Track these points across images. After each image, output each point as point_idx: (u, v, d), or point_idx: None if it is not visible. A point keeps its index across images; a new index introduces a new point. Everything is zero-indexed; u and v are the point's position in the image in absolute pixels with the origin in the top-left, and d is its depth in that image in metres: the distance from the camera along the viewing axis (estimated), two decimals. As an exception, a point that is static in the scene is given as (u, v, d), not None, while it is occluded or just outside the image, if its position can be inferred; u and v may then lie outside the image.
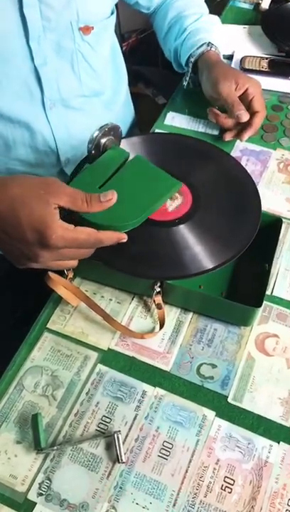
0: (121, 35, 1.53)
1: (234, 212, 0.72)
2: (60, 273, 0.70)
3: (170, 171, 0.73)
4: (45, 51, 0.79)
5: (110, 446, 0.60)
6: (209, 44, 0.94)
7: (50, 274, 0.66)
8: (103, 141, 0.71)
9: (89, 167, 0.70)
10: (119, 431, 0.60)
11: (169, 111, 0.99)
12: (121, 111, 1.03)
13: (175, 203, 0.71)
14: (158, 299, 0.69)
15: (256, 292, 0.68)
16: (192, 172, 0.75)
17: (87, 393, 0.64)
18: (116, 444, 0.59)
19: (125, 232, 0.65)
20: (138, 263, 0.67)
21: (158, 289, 0.68)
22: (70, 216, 0.67)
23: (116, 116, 1.01)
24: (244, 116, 0.87)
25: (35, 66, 0.79)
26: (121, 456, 0.58)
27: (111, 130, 0.72)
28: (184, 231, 0.69)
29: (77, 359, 0.67)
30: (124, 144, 0.75)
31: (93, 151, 0.71)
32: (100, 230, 0.65)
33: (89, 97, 0.91)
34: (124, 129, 1.06)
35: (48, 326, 0.69)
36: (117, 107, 1.01)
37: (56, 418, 0.62)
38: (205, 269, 0.66)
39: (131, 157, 0.72)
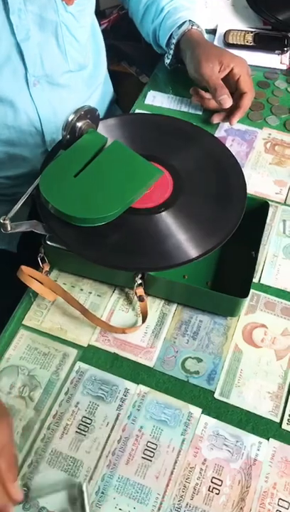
0: (102, 12, 1.47)
1: (218, 196, 0.69)
2: (35, 265, 0.66)
3: (150, 155, 0.68)
4: (27, 25, 0.75)
5: (91, 449, 0.57)
6: (190, 22, 0.89)
7: (23, 267, 0.63)
8: (79, 124, 0.67)
9: (64, 154, 0.66)
10: (85, 480, 0.54)
11: (150, 90, 0.94)
12: (102, 86, 0.99)
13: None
14: (140, 291, 0.65)
15: (244, 281, 0.64)
16: (173, 155, 0.71)
17: (66, 393, 0.60)
18: (83, 497, 0.52)
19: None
20: (118, 254, 0.63)
21: (140, 281, 0.64)
22: (44, 207, 0.63)
23: (98, 92, 0.97)
24: (227, 102, 0.83)
25: (17, 41, 0.75)
26: None
27: (88, 113, 0.68)
28: (166, 218, 0.65)
29: (55, 357, 0.63)
30: (100, 127, 0.71)
31: (68, 136, 0.66)
32: (76, 223, 0.61)
33: (74, 72, 0.87)
34: (103, 107, 1.03)
35: (24, 322, 0.66)
36: (98, 81, 0.96)
37: (33, 421, 0.59)
38: (189, 258, 0.63)
39: (109, 142, 0.68)
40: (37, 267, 0.66)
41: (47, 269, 0.67)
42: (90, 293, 0.68)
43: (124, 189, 0.63)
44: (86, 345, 0.64)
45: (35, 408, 0.59)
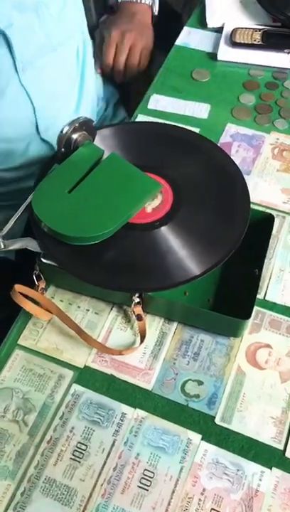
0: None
1: (220, 209, 0.65)
2: (31, 283, 0.64)
3: (148, 166, 0.66)
4: (8, 11, 0.75)
5: (86, 477, 0.55)
6: None
7: (17, 286, 0.61)
8: (74, 137, 0.64)
9: (58, 168, 0.64)
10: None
11: (153, 93, 0.90)
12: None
13: (155, 202, 0.64)
14: (138, 309, 0.62)
15: (247, 300, 0.61)
16: (173, 165, 0.68)
17: (61, 417, 0.58)
18: None
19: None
20: (114, 273, 0.60)
21: (138, 300, 0.62)
22: (38, 227, 0.61)
23: (91, 72, 0.95)
24: None
25: (0, 30, 0.74)
26: None
27: (84, 125, 0.65)
28: (165, 234, 0.62)
29: (51, 379, 0.61)
30: (97, 138, 0.68)
31: (63, 149, 0.64)
32: (70, 241, 0.59)
33: (60, 48, 0.86)
34: (103, 105, 1.01)
35: (20, 342, 0.64)
36: (88, 57, 0.95)
37: (27, 446, 0.57)
38: (190, 276, 0.60)
39: (106, 154, 0.65)
40: (32, 285, 0.64)
41: (43, 287, 0.65)
42: (88, 310, 0.66)
43: (120, 204, 0.61)
44: (82, 367, 0.62)
45: (29, 433, 0.58)
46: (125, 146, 0.69)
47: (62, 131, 0.63)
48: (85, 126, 0.65)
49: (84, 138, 0.65)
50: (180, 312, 0.64)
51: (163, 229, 0.63)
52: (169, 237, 0.62)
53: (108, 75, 1.00)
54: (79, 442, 0.57)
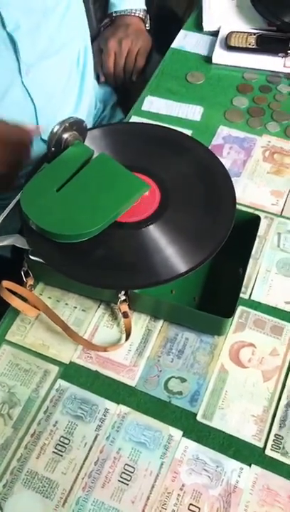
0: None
1: (207, 210, 0.66)
2: (19, 280, 0.65)
3: (137, 166, 0.67)
4: (15, 15, 0.75)
5: (68, 470, 0.56)
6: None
7: (4, 282, 0.62)
8: (65, 136, 0.65)
9: (48, 167, 0.65)
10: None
11: (147, 95, 0.92)
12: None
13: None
14: (124, 307, 0.63)
15: (231, 299, 0.62)
16: (161, 166, 0.68)
17: (45, 412, 0.59)
18: None
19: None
20: (101, 271, 0.61)
21: (124, 297, 0.63)
22: (26, 224, 0.62)
23: (90, 72, 0.97)
24: None
25: (7, 32, 0.76)
26: None
27: (74, 125, 0.66)
28: (153, 232, 0.63)
29: (36, 374, 0.62)
30: (87, 138, 0.69)
31: (53, 148, 0.65)
32: (57, 239, 0.60)
33: (62, 50, 0.87)
34: (100, 106, 1.03)
35: (7, 337, 0.65)
36: (88, 56, 0.97)
37: (11, 439, 0.58)
38: (177, 273, 0.61)
39: (96, 154, 0.66)
40: (20, 282, 0.65)
41: (32, 283, 0.66)
42: (75, 307, 0.67)
43: (108, 203, 0.62)
44: (68, 363, 0.63)
45: (13, 426, 0.59)
46: (115, 146, 0.70)
47: (52, 131, 0.64)
48: (76, 126, 0.66)
49: (74, 138, 0.66)
50: (166, 310, 0.65)
51: (151, 228, 0.64)
52: (156, 235, 0.63)
53: (110, 81, 1.03)
54: (62, 436, 0.58)
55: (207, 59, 0.96)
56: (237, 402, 0.60)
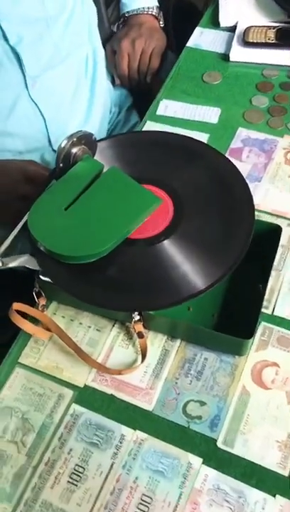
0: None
1: (224, 221, 0.63)
2: (31, 300, 0.63)
3: (148, 178, 0.64)
4: (17, 27, 0.74)
5: (83, 501, 0.54)
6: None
7: (15, 305, 0.60)
8: (74, 151, 0.63)
9: (56, 184, 0.63)
10: None
11: (163, 98, 0.88)
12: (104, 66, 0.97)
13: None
14: (139, 327, 0.61)
15: (252, 316, 0.59)
16: (174, 176, 0.65)
17: (59, 438, 0.58)
18: None
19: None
20: (112, 292, 0.59)
21: (138, 317, 0.60)
22: (33, 244, 0.60)
23: (102, 77, 0.95)
24: None
25: (10, 46, 0.74)
26: None
27: (83, 138, 0.63)
28: (167, 248, 0.60)
29: (50, 398, 0.60)
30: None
31: (61, 164, 0.63)
32: (66, 260, 0.58)
33: (68, 58, 0.85)
34: (116, 110, 1.00)
35: (20, 360, 0.63)
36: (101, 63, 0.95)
37: (25, 468, 0.56)
38: (194, 291, 0.58)
39: (107, 168, 0.63)
40: (32, 302, 0.63)
41: (44, 303, 0.64)
42: (89, 327, 0.65)
43: (118, 220, 0.59)
44: (82, 386, 0.61)
45: (27, 454, 0.57)
46: (124, 157, 0.67)
47: (60, 146, 0.62)
48: (84, 140, 0.64)
49: (83, 152, 0.63)
50: (182, 330, 0.62)
51: (165, 243, 0.61)
52: (171, 251, 0.60)
53: (125, 84, 1.00)
54: (77, 465, 0.56)
55: (225, 57, 0.92)
56: (259, 427, 0.57)
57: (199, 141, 0.70)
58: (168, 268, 0.60)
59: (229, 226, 0.62)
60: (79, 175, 0.62)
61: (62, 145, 0.62)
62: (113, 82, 1.03)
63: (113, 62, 1.00)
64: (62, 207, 0.60)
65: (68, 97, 0.86)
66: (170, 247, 0.61)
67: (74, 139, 0.62)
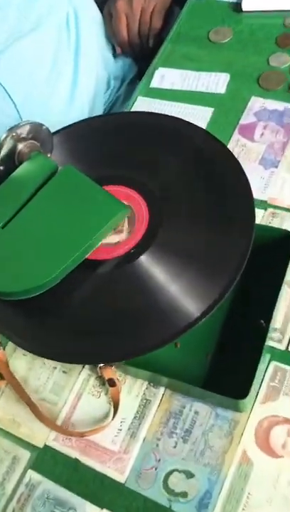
0: None
1: (214, 223, 0.48)
2: None
3: (114, 175, 0.49)
4: None
5: None
6: None
7: None
8: (19, 148, 0.49)
9: None
10: None
11: (158, 67, 0.72)
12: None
13: (121, 234, 0.48)
14: (109, 372, 0.48)
15: (255, 360, 0.44)
16: (149, 170, 0.50)
17: (10, 516, 0.46)
18: None
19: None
20: (73, 338, 0.45)
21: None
22: None
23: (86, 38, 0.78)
24: None
25: None
26: None
27: (30, 132, 0.50)
28: (146, 265, 0.46)
29: (3, 461, 0.49)
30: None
31: (1, 167, 0.49)
32: (4, 297, 0.45)
33: (40, 25, 0.71)
34: (116, 83, 0.85)
35: (-28, 411, 0.52)
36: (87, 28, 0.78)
37: None
38: (190, 320, 0.43)
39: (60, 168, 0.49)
40: None
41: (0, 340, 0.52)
42: (55, 368, 0.52)
43: (72, 237, 0.45)
44: (41, 446, 0.49)
45: (-28, 536, 0.46)
46: (84, 152, 0.52)
47: None
48: (32, 133, 0.50)
49: (30, 149, 0.50)
50: (165, 383, 0.48)
51: (142, 259, 0.46)
52: (150, 270, 0.46)
53: (126, 51, 0.84)
54: None
55: (236, 7, 0.73)
56: (265, 510, 0.42)
57: (182, 120, 0.53)
58: (147, 293, 0.45)
59: (222, 230, 0.47)
60: (25, 179, 0.48)
61: (0, 141, 0.48)
62: (115, 52, 0.87)
63: (111, 27, 0.84)
64: (-1, 222, 0.47)
65: (44, 74, 0.72)
66: (148, 264, 0.46)
67: (17, 132, 0.48)
